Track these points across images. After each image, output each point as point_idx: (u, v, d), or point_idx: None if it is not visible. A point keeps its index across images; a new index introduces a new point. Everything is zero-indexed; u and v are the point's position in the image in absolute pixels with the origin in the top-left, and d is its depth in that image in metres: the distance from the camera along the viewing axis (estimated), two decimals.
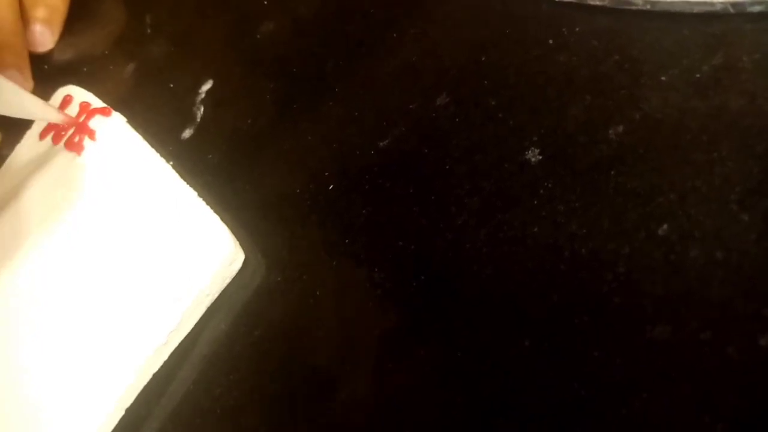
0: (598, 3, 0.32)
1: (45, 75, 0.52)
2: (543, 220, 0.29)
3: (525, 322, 0.27)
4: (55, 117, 0.40)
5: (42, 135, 0.45)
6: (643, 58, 0.31)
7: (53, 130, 0.45)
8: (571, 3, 0.33)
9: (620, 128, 0.29)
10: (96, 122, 0.43)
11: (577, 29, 0.33)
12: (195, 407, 0.33)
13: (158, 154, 0.39)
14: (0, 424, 0.33)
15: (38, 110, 0.39)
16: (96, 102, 0.44)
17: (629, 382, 0.25)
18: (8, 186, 0.42)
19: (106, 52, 0.50)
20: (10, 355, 0.34)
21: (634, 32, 0.31)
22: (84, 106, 0.44)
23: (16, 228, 0.37)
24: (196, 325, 0.34)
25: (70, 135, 0.44)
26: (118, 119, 0.43)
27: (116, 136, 0.42)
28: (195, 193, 0.36)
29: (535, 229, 0.29)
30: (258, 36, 0.43)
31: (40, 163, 0.43)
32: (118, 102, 0.43)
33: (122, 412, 0.33)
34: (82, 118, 0.44)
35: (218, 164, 0.39)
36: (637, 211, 0.27)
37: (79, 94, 0.46)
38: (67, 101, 0.46)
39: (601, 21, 0.32)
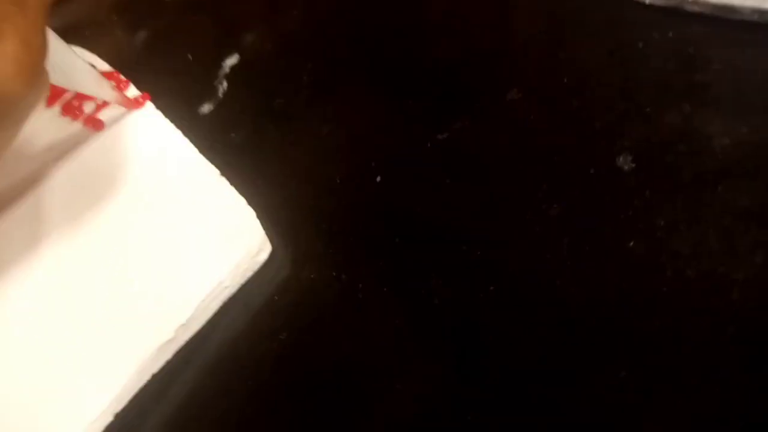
0: (696, 9, 0.30)
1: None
2: (639, 233, 0.25)
3: (621, 352, 0.23)
4: (110, 95, 0.34)
5: (49, 102, 0.39)
6: (748, 71, 0.28)
7: (52, 90, 0.39)
8: (663, 7, 0.30)
9: (726, 140, 0.26)
10: None
11: (671, 35, 0.30)
12: (199, 418, 0.28)
13: (174, 126, 0.35)
14: None
15: (92, 84, 0.33)
16: (101, 65, 0.39)
17: (750, 422, 0.21)
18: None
19: (114, 18, 0.45)
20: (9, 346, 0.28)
21: (737, 43, 0.29)
22: None
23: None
24: (209, 321, 0.29)
25: (71, 100, 0.38)
26: (127, 86, 0.38)
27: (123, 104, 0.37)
28: (218, 172, 0.32)
29: (631, 244, 0.25)
30: (294, 11, 0.39)
31: (47, 136, 0.37)
32: (125, 71, 0.38)
33: (111, 417, 0.27)
34: None
35: (242, 144, 0.35)
36: (751, 231, 0.24)
37: (80, 54, 0.40)
38: None
39: (697, 28, 0.30)
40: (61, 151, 0.34)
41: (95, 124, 0.35)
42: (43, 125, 0.37)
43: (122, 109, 0.36)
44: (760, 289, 0.23)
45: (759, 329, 0.22)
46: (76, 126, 0.36)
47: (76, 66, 0.29)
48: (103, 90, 0.32)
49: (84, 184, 0.32)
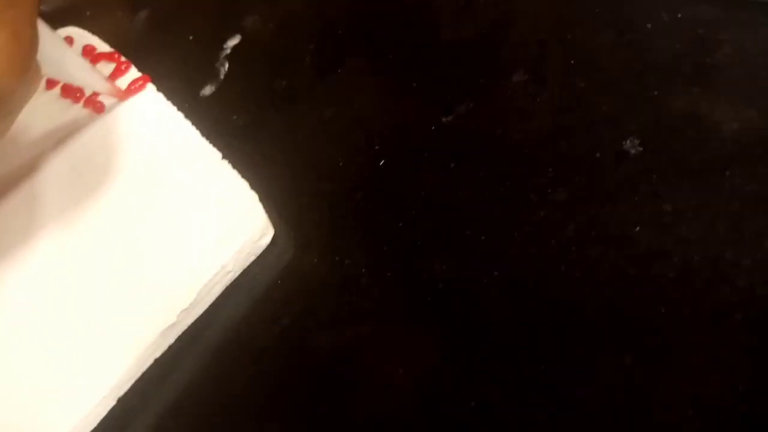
0: None
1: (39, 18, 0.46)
2: (646, 219, 0.25)
3: (626, 339, 0.23)
4: (102, 86, 0.33)
5: (49, 85, 0.39)
6: (759, 54, 0.27)
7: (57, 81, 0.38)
8: None
9: (735, 125, 0.26)
10: (101, 68, 0.38)
11: (680, 16, 0.29)
12: (201, 402, 0.27)
13: (175, 108, 0.34)
14: None
15: (84, 75, 0.32)
16: (102, 46, 0.39)
17: (756, 408, 0.21)
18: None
19: None
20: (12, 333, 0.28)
21: (748, 24, 0.28)
22: (88, 50, 0.39)
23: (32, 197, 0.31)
24: (211, 306, 0.29)
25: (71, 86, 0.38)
26: (128, 68, 0.37)
27: (125, 85, 0.36)
28: (220, 155, 0.31)
29: (637, 230, 0.25)
30: None
31: (47, 119, 0.36)
32: (126, 52, 0.38)
33: (114, 402, 0.27)
34: None
35: (245, 127, 0.34)
36: (759, 217, 0.24)
37: (81, 36, 0.40)
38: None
39: (707, 9, 0.29)
40: (61, 134, 0.34)
41: (96, 107, 0.35)
42: (43, 108, 0.36)
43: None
44: (767, 275, 0.23)
45: (766, 316, 0.22)
46: (76, 108, 0.36)
47: (68, 58, 0.29)
48: (97, 82, 0.31)
49: (84, 168, 0.32)
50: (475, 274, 0.26)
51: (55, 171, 0.33)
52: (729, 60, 0.28)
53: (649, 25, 0.29)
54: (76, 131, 0.33)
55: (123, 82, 0.36)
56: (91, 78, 0.31)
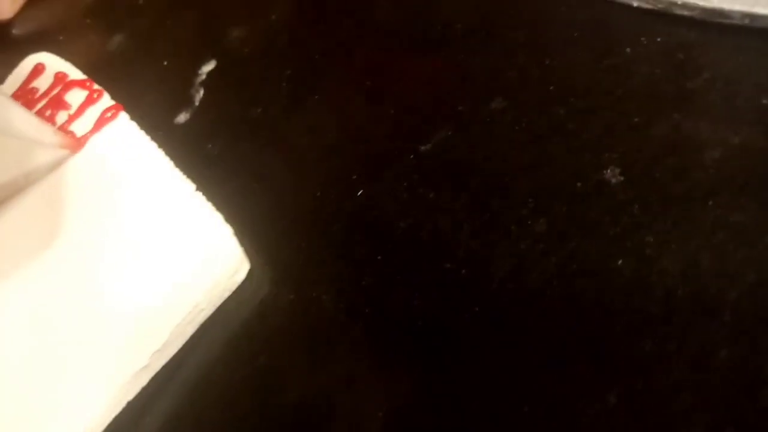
0: (686, 13, 0.29)
1: (11, 43, 0.45)
2: (628, 251, 0.24)
3: (609, 376, 0.22)
4: (52, 139, 0.32)
5: None
6: (740, 78, 0.27)
7: (21, 101, 0.38)
8: (651, 11, 0.29)
9: (716, 153, 0.25)
10: (73, 96, 0.37)
11: (659, 40, 0.29)
12: None
13: (148, 137, 0.33)
14: None
15: (30, 130, 0.31)
16: (74, 73, 0.38)
17: None
18: None
19: (88, 21, 0.44)
20: None
21: (728, 48, 0.28)
22: (60, 77, 0.38)
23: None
24: (184, 346, 0.28)
25: (41, 109, 0.37)
26: (100, 96, 0.36)
27: (98, 114, 0.35)
28: (193, 187, 0.31)
29: (619, 262, 0.24)
30: (273, 16, 0.38)
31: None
32: (99, 78, 0.37)
33: None
34: (56, 90, 0.38)
35: (219, 156, 0.34)
36: (744, 249, 0.23)
37: (53, 62, 0.39)
38: (38, 71, 0.39)
39: (687, 33, 0.29)
40: (39, 172, 0.33)
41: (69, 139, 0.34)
42: (11, 143, 0.35)
43: (95, 120, 0.35)
44: (753, 309, 0.22)
45: (752, 352, 0.22)
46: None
47: (12, 114, 0.28)
48: (45, 135, 0.31)
49: (54, 201, 0.31)
50: (456, 310, 0.25)
51: (23, 205, 0.32)
52: (710, 84, 0.27)
53: (628, 50, 0.29)
54: (48, 170, 0.33)
55: (95, 110, 0.35)
56: (40, 133, 0.30)
